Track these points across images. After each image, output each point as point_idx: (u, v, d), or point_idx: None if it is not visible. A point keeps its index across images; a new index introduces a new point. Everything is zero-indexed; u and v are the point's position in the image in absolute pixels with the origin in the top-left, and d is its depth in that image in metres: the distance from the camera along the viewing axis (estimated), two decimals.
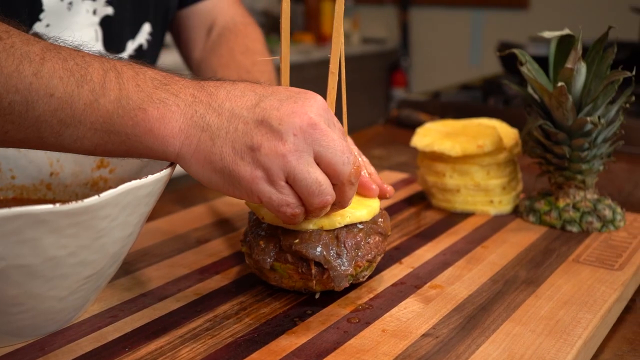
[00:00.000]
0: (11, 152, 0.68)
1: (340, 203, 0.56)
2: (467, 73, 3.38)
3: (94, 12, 0.80)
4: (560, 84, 0.71)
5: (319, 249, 0.57)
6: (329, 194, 0.53)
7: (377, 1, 4.06)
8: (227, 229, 0.78)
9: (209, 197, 0.92)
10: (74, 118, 0.50)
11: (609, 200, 0.80)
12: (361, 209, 0.60)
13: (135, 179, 0.66)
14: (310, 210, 0.54)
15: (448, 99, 1.57)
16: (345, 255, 0.58)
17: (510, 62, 1.81)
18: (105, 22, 0.82)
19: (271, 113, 0.51)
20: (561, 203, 0.79)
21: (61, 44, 0.52)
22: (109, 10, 0.82)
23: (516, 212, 0.83)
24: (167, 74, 0.54)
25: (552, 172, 0.80)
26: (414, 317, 0.57)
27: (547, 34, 0.75)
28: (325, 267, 0.57)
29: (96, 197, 0.46)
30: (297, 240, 0.57)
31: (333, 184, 0.53)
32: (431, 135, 0.86)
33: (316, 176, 0.52)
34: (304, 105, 0.52)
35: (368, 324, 0.56)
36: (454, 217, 0.81)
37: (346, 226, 0.59)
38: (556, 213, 0.78)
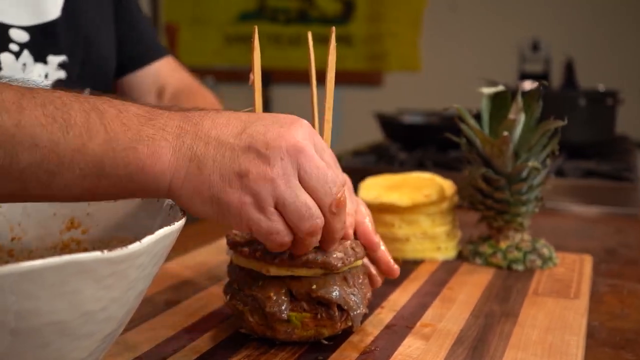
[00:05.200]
0: None
1: (328, 235, 0.55)
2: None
3: (46, 76, 0.77)
4: (505, 133, 0.78)
5: (337, 291, 0.57)
6: (319, 217, 0.52)
7: (238, 79, 4.15)
8: (192, 289, 0.75)
9: None
10: (61, 166, 0.47)
11: (543, 240, 0.87)
12: None
13: (112, 238, 0.64)
14: (300, 238, 0.53)
15: (347, 164, 1.63)
16: (357, 295, 0.58)
17: (391, 130, 1.92)
18: (56, 86, 0.79)
19: (258, 138, 0.51)
20: (503, 245, 0.85)
21: (32, 86, 0.49)
22: (62, 74, 0.79)
23: (460, 257, 0.88)
24: (150, 107, 0.52)
25: (493, 217, 0.86)
26: (422, 353, 0.58)
27: (485, 90, 0.82)
28: (345, 308, 0.57)
29: (138, 243, 0.43)
30: (314, 286, 0.56)
31: None
32: (376, 189, 0.89)
33: (304, 199, 0.51)
34: (290, 130, 0.52)
35: None
36: (407, 265, 0.84)
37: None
38: (501, 254, 0.84)
